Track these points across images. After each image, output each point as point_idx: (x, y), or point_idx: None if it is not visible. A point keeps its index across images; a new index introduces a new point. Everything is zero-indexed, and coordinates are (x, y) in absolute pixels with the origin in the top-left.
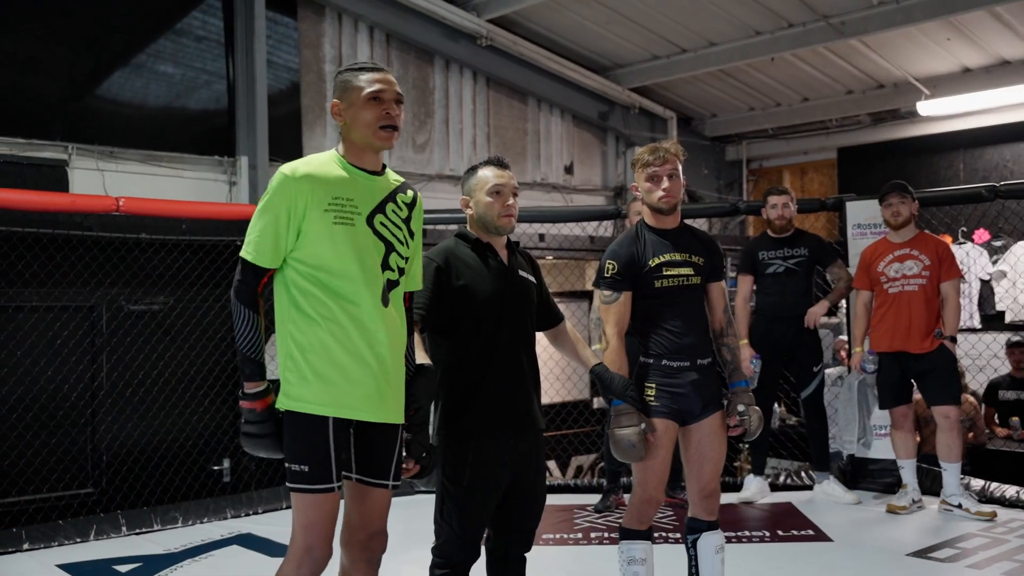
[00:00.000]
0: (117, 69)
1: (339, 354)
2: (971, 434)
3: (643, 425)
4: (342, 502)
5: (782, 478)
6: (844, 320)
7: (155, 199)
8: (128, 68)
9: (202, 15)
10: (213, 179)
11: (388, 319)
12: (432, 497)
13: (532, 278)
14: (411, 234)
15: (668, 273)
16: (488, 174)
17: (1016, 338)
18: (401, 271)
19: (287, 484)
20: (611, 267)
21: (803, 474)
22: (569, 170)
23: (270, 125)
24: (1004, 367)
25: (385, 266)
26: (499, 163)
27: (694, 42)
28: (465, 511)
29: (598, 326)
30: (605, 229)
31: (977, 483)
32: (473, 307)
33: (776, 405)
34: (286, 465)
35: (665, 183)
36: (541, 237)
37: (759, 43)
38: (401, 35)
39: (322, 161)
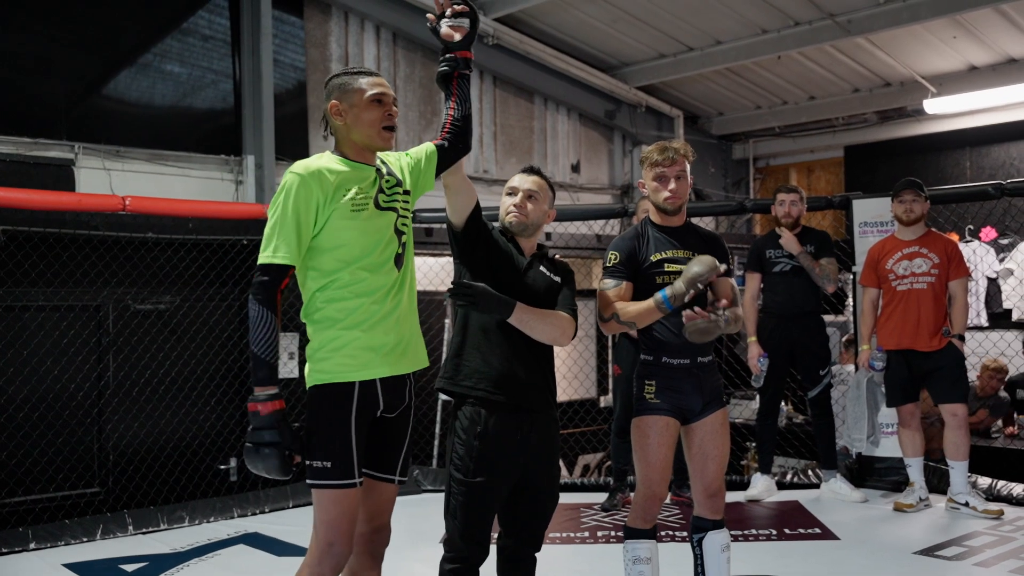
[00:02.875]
0: (124, 68)
1: (364, 325)
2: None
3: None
4: None
5: (789, 476)
6: (851, 318)
7: (161, 198)
8: (135, 67)
9: (208, 14)
10: (219, 178)
11: (403, 278)
12: (438, 496)
13: (557, 278)
14: (404, 184)
15: (670, 270)
16: (514, 178)
17: None
18: (404, 233)
19: (307, 481)
20: (613, 257)
21: (810, 472)
22: (576, 168)
23: (276, 124)
24: (1011, 365)
25: (398, 232)
26: (528, 170)
27: (701, 40)
28: (469, 504)
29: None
30: (612, 227)
31: (984, 481)
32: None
33: (783, 403)
34: (307, 463)
35: (672, 184)
36: (547, 235)
37: (766, 41)
38: (407, 34)
39: (327, 159)
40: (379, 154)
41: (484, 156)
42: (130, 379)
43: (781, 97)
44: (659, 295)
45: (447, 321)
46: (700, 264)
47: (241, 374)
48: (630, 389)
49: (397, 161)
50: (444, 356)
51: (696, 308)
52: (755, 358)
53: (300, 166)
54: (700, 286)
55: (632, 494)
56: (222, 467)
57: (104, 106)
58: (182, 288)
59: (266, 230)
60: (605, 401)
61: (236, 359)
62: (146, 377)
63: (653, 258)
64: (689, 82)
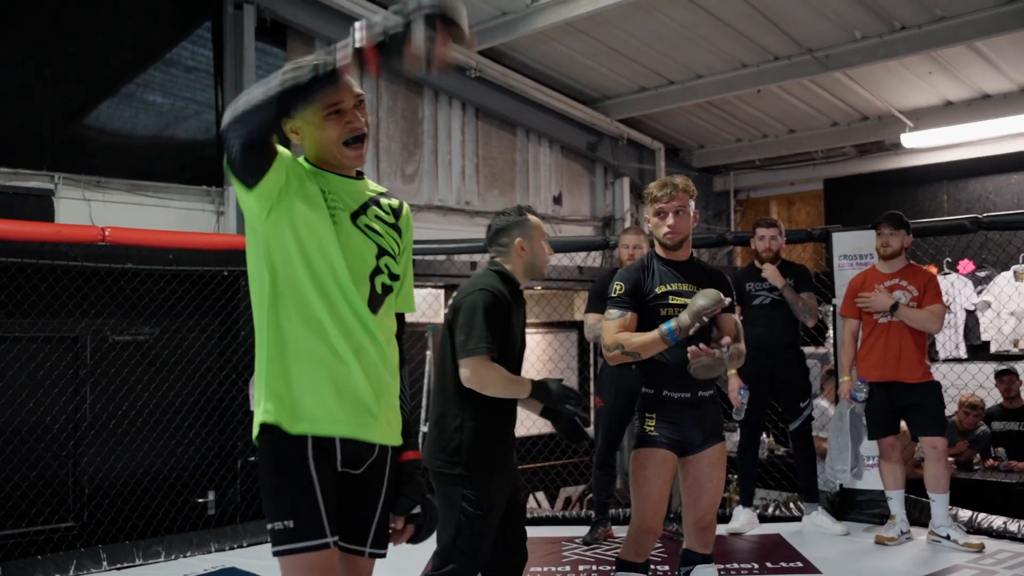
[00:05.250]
0: (106, 99)
1: (323, 366)
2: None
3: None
4: None
5: (771, 509)
6: (831, 350)
7: (142, 229)
8: (117, 98)
9: (192, 45)
10: (201, 209)
11: (380, 327)
12: None
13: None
14: (400, 246)
15: (674, 302)
16: (538, 220)
17: (1003, 367)
18: (394, 278)
19: (272, 551)
20: (619, 287)
21: (792, 505)
22: (558, 200)
23: None
24: (990, 397)
25: (377, 270)
26: (532, 212)
27: (681, 74)
28: (485, 536)
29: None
30: (594, 259)
31: (965, 514)
32: (506, 349)
33: (765, 435)
34: (268, 526)
35: (671, 219)
36: None
37: (745, 76)
38: None
39: (301, 163)
40: (392, 197)
41: (466, 188)
42: (107, 411)
43: (761, 130)
44: (664, 327)
45: (428, 353)
46: (705, 298)
47: (220, 406)
48: (612, 421)
49: (406, 220)
50: (437, 425)
51: (701, 344)
52: (735, 391)
53: None
54: (705, 319)
55: (614, 527)
56: (200, 500)
57: (85, 136)
58: (161, 319)
59: None
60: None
61: (215, 391)
62: (123, 409)
63: (658, 290)
64: (670, 115)
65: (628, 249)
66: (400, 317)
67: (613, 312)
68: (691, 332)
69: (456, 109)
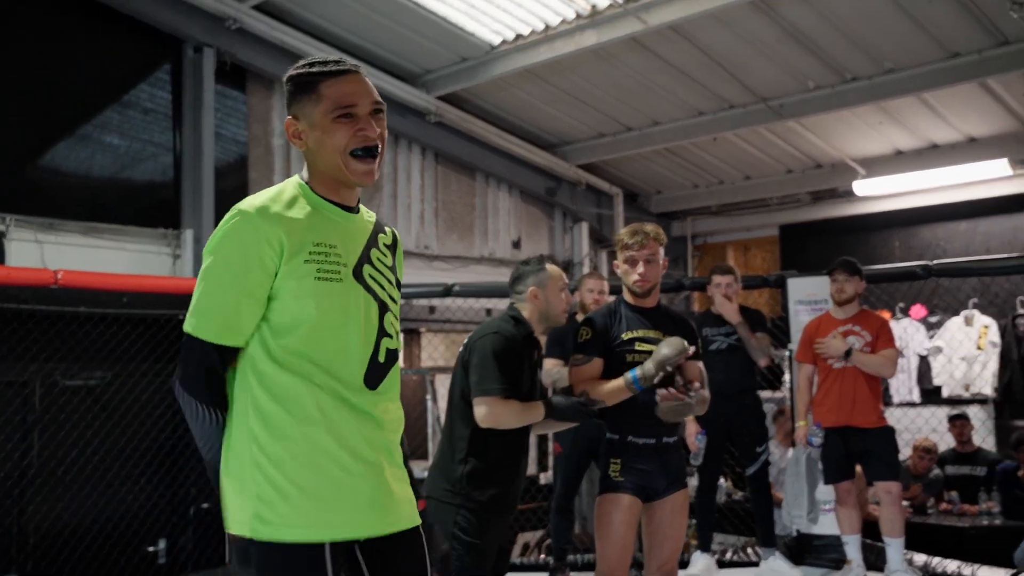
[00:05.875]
0: (62, 139)
1: (326, 456)
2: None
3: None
4: None
5: (729, 554)
6: (787, 394)
7: (95, 272)
8: (73, 138)
9: (150, 87)
10: (156, 252)
11: (381, 404)
12: None
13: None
14: (398, 285)
15: (640, 348)
16: (556, 271)
17: (956, 412)
18: (398, 336)
19: None
20: (586, 332)
21: (749, 550)
22: (517, 245)
23: (217, 198)
24: (943, 441)
25: (382, 332)
26: (552, 260)
27: (639, 121)
28: (479, 567)
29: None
30: None
31: (920, 558)
32: (515, 389)
33: (723, 480)
34: None
35: (641, 267)
36: (488, 312)
37: (702, 123)
38: None
39: (289, 196)
40: (385, 228)
41: (425, 232)
42: (56, 457)
43: (717, 177)
44: (629, 375)
45: (428, 398)
46: (669, 347)
47: (174, 452)
48: (570, 467)
49: (400, 254)
50: (444, 456)
51: (670, 388)
52: (693, 435)
53: (248, 202)
54: (669, 368)
55: (573, 574)
56: (151, 549)
57: (39, 177)
58: (114, 363)
59: (194, 291)
60: (545, 478)
61: (168, 436)
62: (72, 455)
63: (624, 336)
64: (628, 161)
65: (592, 294)
66: None
67: (580, 357)
68: (655, 381)
69: (416, 153)
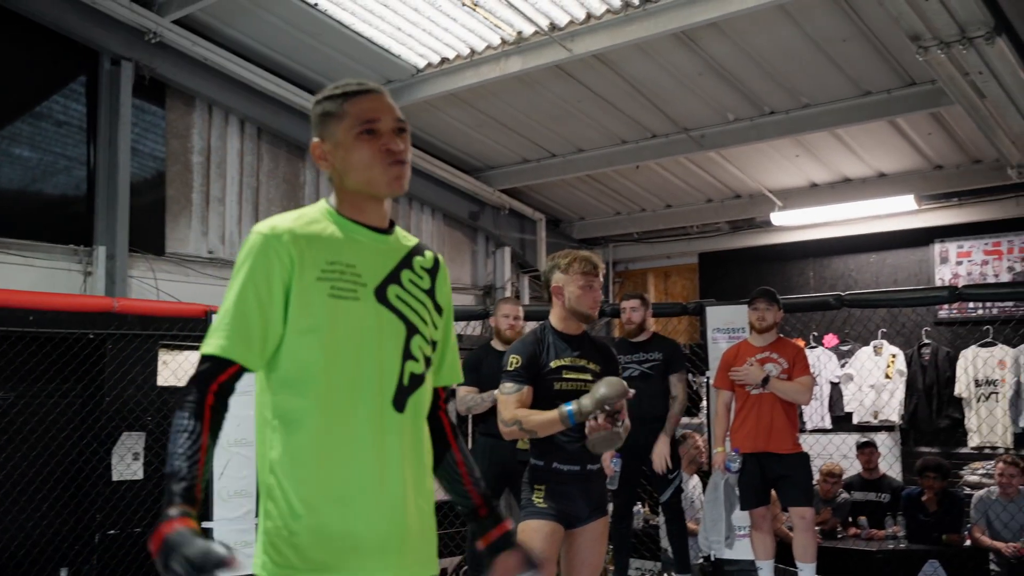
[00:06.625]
0: None
1: (334, 487)
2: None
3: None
4: None
5: None
6: (705, 420)
7: (1, 289)
8: None
9: (64, 100)
10: (67, 269)
11: (406, 429)
12: None
13: None
14: (438, 309)
15: (567, 376)
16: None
17: (864, 439)
18: (427, 361)
19: None
20: (515, 361)
21: None
22: None
23: (132, 214)
24: (852, 468)
25: (407, 355)
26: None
27: (563, 147)
28: None
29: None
30: (473, 328)
31: None
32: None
33: (640, 506)
34: None
35: (597, 293)
36: None
37: (625, 151)
38: (272, 129)
39: (310, 217)
40: (426, 251)
41: None
42: None
43: (639, 204)
44: (565, 409)
45: None
46: (609, 387)
47: (79, 476)
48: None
49: (443, 277)
50: None
51: (600, 419)
52: (608, 460)
53: (267, 224)
54: (607, 408)
55: None
56: None
57: None
58: (18, 383)
59: (217, 313)
60: None
61: (74, 460)
62: None
63: (553, 364)
64: (551, 187)
65: (508, 319)
66: (441, 390)
67: (510, 386)
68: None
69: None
